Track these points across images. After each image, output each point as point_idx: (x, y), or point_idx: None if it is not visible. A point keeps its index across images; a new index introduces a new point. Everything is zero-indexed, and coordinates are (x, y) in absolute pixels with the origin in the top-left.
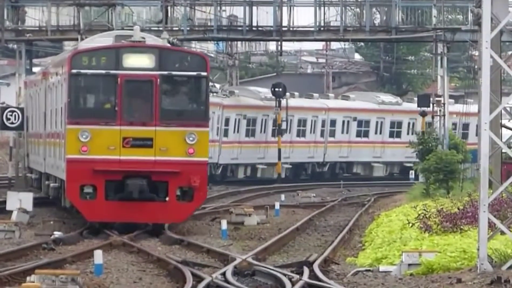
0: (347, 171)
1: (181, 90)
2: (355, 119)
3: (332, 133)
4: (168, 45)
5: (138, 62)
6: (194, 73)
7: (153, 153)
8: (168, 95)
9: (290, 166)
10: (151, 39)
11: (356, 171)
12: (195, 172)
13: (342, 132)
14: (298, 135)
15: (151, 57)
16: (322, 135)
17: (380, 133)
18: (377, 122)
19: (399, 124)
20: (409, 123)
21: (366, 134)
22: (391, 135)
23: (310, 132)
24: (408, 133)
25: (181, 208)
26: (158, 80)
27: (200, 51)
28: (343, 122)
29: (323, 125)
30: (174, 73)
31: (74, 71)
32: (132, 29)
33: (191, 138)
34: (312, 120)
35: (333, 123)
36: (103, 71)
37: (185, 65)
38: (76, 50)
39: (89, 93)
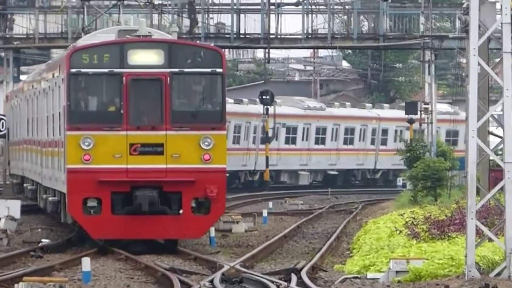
0: (275, 180)
1: (194, 89)
2: (284, 125)
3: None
4: (178, 39)
5: (145, 58)
6: (208, 70)
7: (164, 161)
8: (179, 95)
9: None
10: (157, 34)
11: (283, 179)
12: (212, 181)
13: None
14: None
15: (160, 52)
16: (254, 142)
17: (307, 139)
18: (303, 128)
19: (324, 130)
20: (332, 129)
21: (294, 141)
22: (317, 141)
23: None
24: (331, 139)
25: (197, 222)
26: (168, 78)
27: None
28: (274, 128)
29: (254, 132)
30: (185, 70)
31: (73, 70)
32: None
33: (206, 143)
34: (245, 127)
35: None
36: (106, 70)
37: (198, 61)
38: (75, 47)
39: (90, 94)
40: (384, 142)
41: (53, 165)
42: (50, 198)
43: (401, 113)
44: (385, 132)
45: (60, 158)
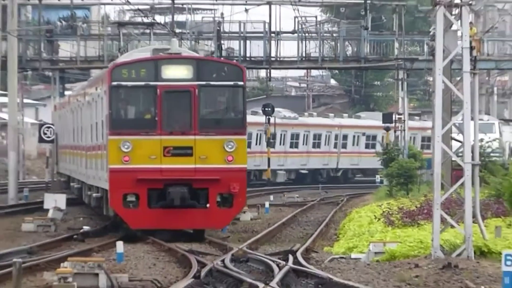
0: (259, 177)
1: (218, 100)
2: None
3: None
4: (205, 56)
5: (177, 73)
6: (231, 83)
7: (193, 161)
8: (206, 105)
9: None
10: (186, 53)
11: (264, 177)
12: (235, 178)
13: (256, 144)
14: None
15: (189, 68)
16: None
17: (284, 144)
18: (281, 135)
19: (297, 136)
20: (304, 135)
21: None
22: (291, 145)
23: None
24: (303, 144)
25: (222, 214)
26: (196, 90)
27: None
28: (257, 135)
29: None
30: (211, 83)
31: (114, 83)
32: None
33: (229, 146)
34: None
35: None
36: (143, 83)
37: (222, 75)
38: (115, 63)
39: (129, 104)
40: (344, 146)
41: (97, 166)
42: (94, 194)
43: (358, 121)
44: (345, 137)
45: (103, 159)
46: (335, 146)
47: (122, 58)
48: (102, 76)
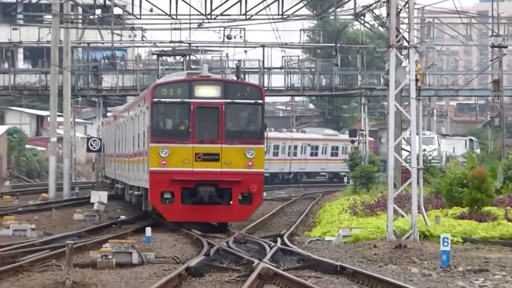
0: None
1: (241, 115)
2: None
3: None
4: (231, 78)
5: (207, 92)
6: (252, 101)
7: (219, 166)
8: (231, 119)
9: None
10: (213, 76)
11: None
12: (254, 180)
13: None
14: None
15: (217, 88)
16: None
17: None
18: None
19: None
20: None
21: None
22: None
23: None
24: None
25: (242, 210)
26: (223, 106)
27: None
28: None
29: None
30: (236, 101)
31: (155, 99)
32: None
33: (250, 153)
34: None
35: None
36: (179, 100)
37: (245, 94)
38: (156, 83)
39: (167, 117)
40: (295, 154)
41: (138, 169)
42: (135, 193)
43: (305, 135)
44: (295, 147)
45: (144, 164)
46: (289, 155)
47: (161, 80)
48: (144, 94)
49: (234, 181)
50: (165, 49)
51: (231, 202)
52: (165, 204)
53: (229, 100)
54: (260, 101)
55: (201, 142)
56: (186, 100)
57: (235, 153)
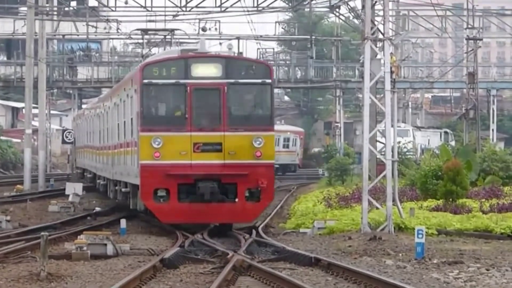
0: None
1: (247, 97)
2: None
3: None
4: (233, 54)
5: (206, 71)
6: (259, 81)
7: (222, 157)
8: (235, 102)
9: None
10: (213, 53)
11: None
12: (263, 174)
13: None
14: None
15: (218, 66)
16: None
17: None
18: None
19: None
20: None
21: None
22: None
23: None
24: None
25: (250, 209)
26: (225, 88)
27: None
28: None
29: None
30: (240, 81)
31: (145, 81)
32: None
33: (258, 142)
34: None
35: None
36: (173, 81)
37: (250, 73)
38: (146, 62)
39: (160, 101)
40: None
41: (125, 162)
42: (122, 189)
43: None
44: None
45: (133, 156)
46: None
47: (151, 59)
48: (131, 76)
49: (240, 175)
50: (139, 41)
51: (236, 200)
52: (159, 203)
53: (232, 80)
54: (269, 81)
55: (200, 130)
56: (181, 81)
57: (240, 142)
